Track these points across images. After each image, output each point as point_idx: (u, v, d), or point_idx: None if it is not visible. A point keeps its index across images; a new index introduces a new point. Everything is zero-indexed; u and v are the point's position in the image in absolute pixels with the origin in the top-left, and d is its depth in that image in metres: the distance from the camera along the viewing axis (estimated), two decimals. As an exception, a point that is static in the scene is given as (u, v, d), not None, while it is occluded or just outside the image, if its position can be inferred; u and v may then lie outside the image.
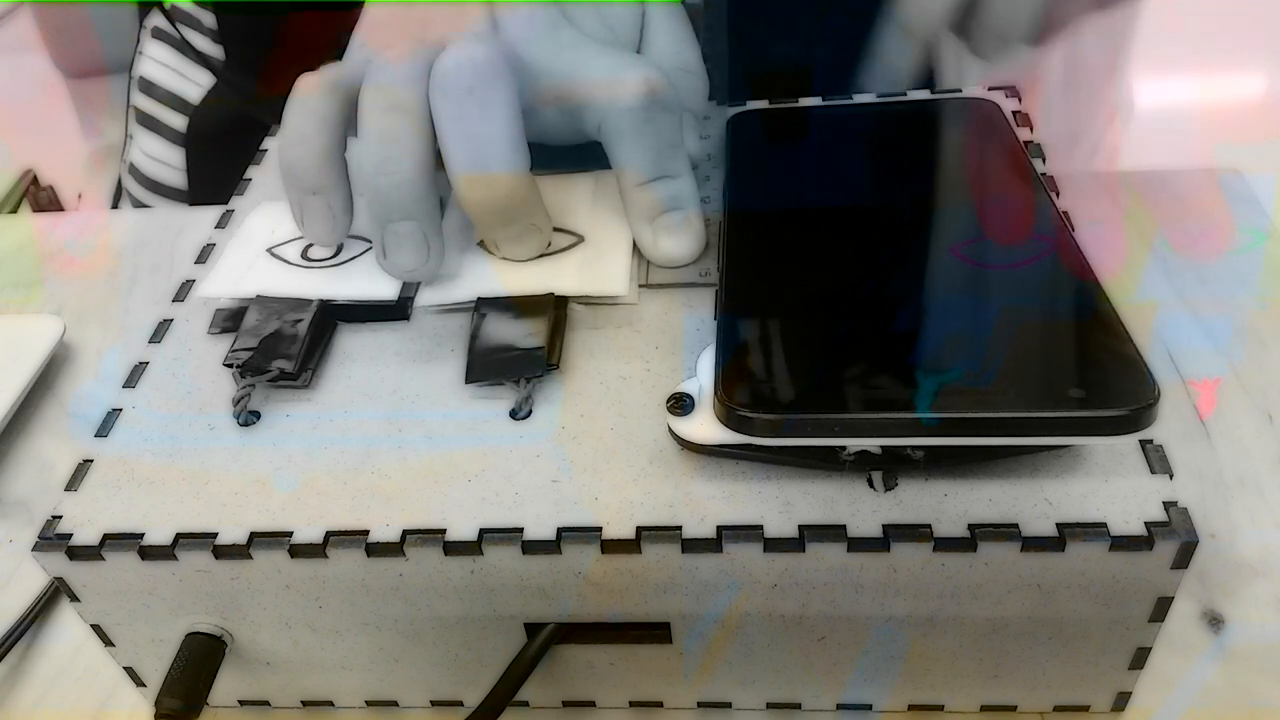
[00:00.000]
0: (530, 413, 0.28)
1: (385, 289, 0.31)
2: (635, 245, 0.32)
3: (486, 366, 0.28)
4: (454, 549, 0.25)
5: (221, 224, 0.36)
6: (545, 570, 0.25)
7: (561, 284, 0.31)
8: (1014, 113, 0.35)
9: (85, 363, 0.43)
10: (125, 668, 0.29)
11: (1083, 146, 0.61)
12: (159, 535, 0.26)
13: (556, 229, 0.32)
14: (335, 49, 0.36)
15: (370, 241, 0.33)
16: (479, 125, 0.29)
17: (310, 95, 0.30)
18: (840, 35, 0.50)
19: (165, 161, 0.59)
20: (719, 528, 0.24)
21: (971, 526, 0.24)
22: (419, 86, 0.29)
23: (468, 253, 0.32)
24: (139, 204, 0.61)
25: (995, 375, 0.23)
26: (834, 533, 0.24)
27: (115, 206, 0.64)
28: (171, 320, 0.32)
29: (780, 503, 0.25)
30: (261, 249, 0.33)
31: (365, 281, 0.31)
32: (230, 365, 0.29)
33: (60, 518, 0.26)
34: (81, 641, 0.32)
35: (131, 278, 0.47)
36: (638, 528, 0.24)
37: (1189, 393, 0.36)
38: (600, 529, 0.24)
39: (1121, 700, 0.27)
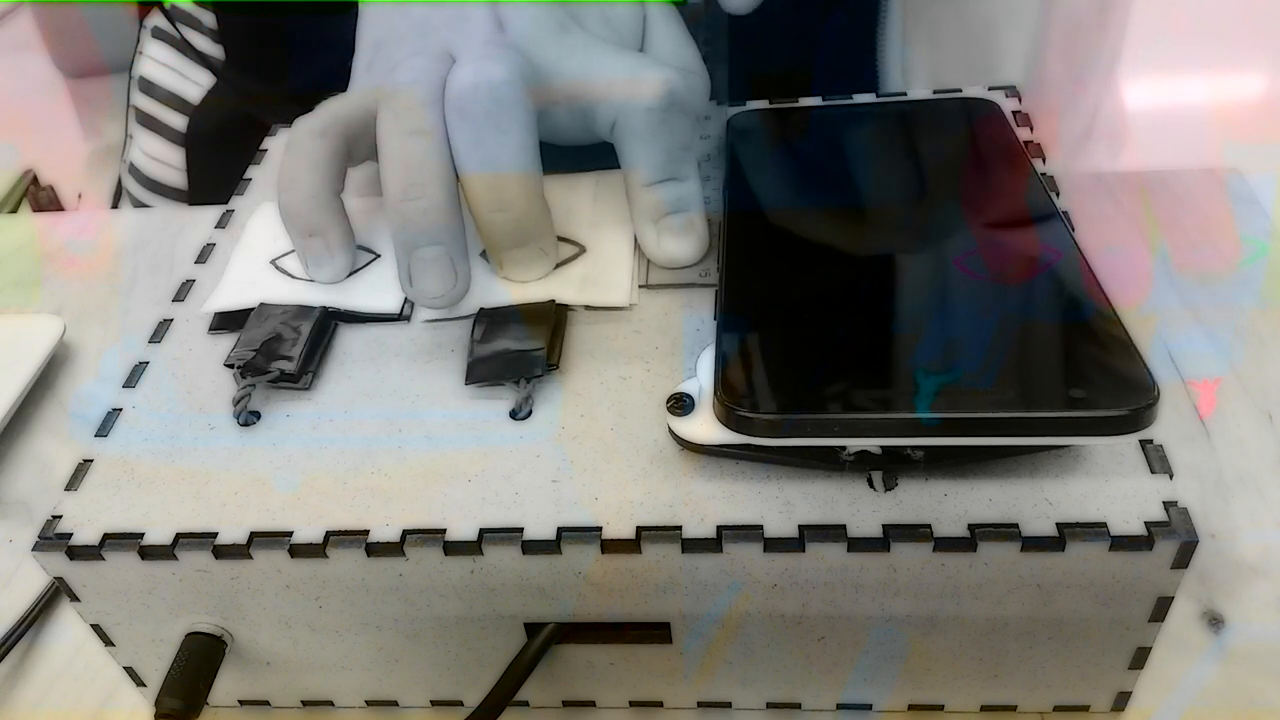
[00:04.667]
0: (530, 413, 0.28)
1: (388, 301, 0.31)
2: (637, 246, 0.32)
3: (487, 367, 0.28)
4: (454, 549, 0.25)
5: (221, 224, 0.36)
6: (545, 570, 0.25)
7: (564, 295, 0.31)
8: (1014, 113, 0.35)
9: (85, 363, 0.43)
10: (125, 668, 0.29)
11: (1057, 154, 0.60)
12: (159, 535, 0.26)
13: (559, 239, 0.32)
14: (335, 48, 0.36)
15: (372, 252, 0.33)
16: (496, 150, 0.29)
17: (301, 139, 0.31)
18: (840, 35, 0.50)
19: (165, 161, 0.59)
20: (719, 528, 0.24)
21: (971, 526, 0.24)
22: (436, 108, 0.29)
23: (473, 265, 0.32)
24: (139, 204, 0.61)
25: (995, 375, 0.23)
26: (834, 533, 0.24)
27: (115, 206, 0.64)
28: (171, 320, 0.32)
29: (780, 503, 0.25)
30: (265, 261, 0.33)
31: (368, 294, 0.31)
32: (231, 365, 0.29)
33: (60, 518, 0.26)
34: (81, 641, 0.32)
35: (131, 278, 0.47)
36: (638, 528, 0.24)
37: (1189, 393, 0.36)
38: (600, 529, 0.24)
39: (1121, 700, 0.27)
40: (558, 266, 0.32)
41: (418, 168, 0.28)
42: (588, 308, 0.31)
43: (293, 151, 0.31)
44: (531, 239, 0.30)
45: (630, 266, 0.32)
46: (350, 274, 0.32)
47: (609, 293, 0.31)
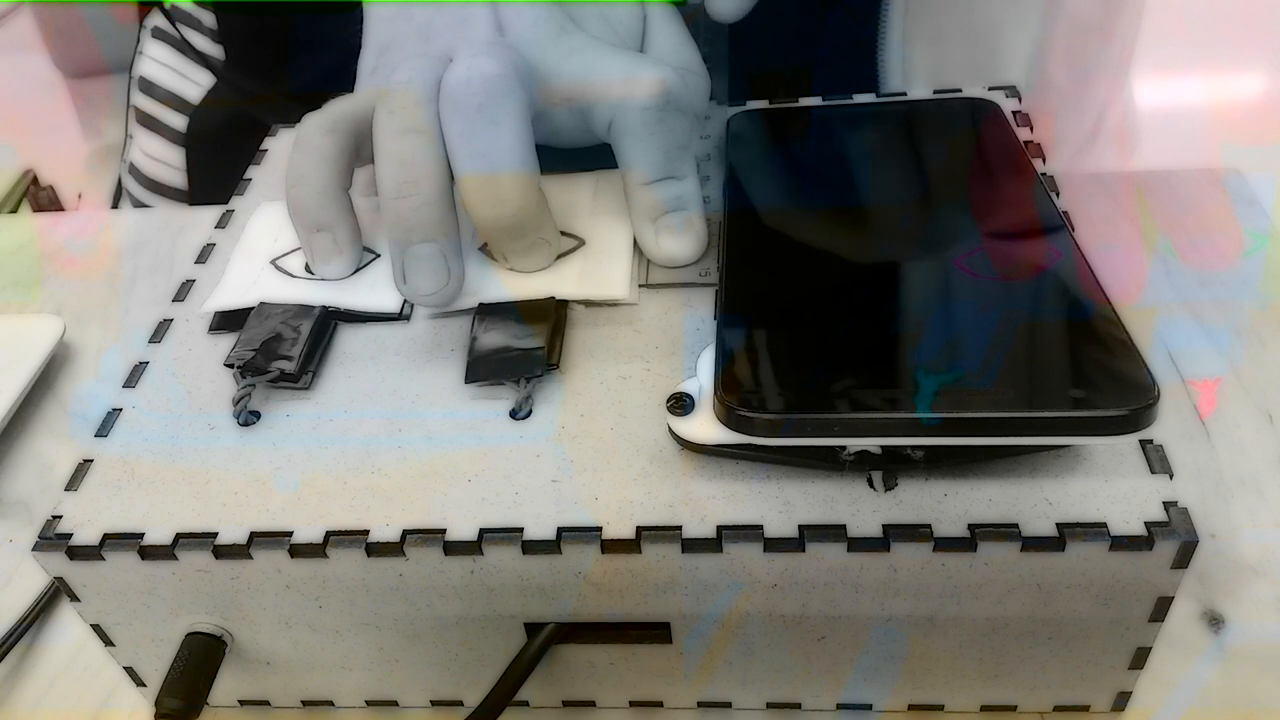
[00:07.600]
0: (530, 413, 0.28)
1: (388, 301, 0.31)
2: (636, 245, 0.32)
3: (486, 366, 0.28)
4: (454, 549, 0.25)
5: (221, 224, 0.36)
6: (545, 570, 0.25)
7: (562, 289, 0.31)
8: (1014, 113, 0.35)
9: (85, 363, 0.43)
10: (125, 668, 0.29)
11: (1059, 156, 0.59)
12: (159, 535, 0.26)
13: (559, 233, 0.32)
14: (335, 48, 0.36)
15: (374, 252, 0.33)
16: (490, 143, 0.29)
17: (311, 135, 0.31)
18: (840, 35, 0.50)
19: (165, 161, 0.59)
20: (719, 528, 0.24)
21: (971, 526, 0.24)
22: (431, 106, 0.29)
23: (470, 259, 0.32)
24: (139, 204, 0.61)
25: (995, 375, 0.23)
26: (834, 533, 0.24)
27: (115, 206, 0.64)
28: (171, 320, 0.32)
29: (780, 503, 0.25)
30: (265, 261, 0.33)
31: (368, 293, 0.31)
32: (231, 365, 0.29)
33: (60, 518, 0.26)
34: (81, 641, 0.32)
35: (131, 278, 0.47)
36: (638, 528, 0.24)
37: (1189, 393, 0.36)
38: (600, 529, 0.24)
39: (1121, 700, 0.27)
40: (556, 259, 0.32)
41: (411, 165, 0.28)
42: (588, 305, 0.31)
43: (301, 147, 0.31)
44: (529, 230, 0.30)
45: (629, 259, 0.32)
46: (349, 275, 0.32)
47: (608, 286, 0.31)
